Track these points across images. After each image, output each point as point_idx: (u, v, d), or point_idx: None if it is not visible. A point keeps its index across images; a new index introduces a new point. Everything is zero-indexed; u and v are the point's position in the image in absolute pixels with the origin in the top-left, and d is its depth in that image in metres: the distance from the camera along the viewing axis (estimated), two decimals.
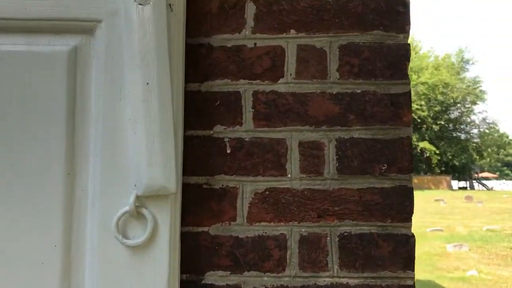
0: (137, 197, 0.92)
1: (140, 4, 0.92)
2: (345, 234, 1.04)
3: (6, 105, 0.95)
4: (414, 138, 49.04)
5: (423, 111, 51.03)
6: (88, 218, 0.95)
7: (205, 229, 1.04)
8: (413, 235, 1.04)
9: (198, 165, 1.06)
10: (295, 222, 1.04)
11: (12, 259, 0.93)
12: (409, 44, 1.07)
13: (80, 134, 0.97)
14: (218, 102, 1.07)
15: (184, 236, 1.04)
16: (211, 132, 1.06)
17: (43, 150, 0.95)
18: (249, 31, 1.08)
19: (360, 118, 1.06)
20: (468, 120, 57.65)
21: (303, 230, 1.04)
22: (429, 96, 52.33)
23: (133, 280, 0.93)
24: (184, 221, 1.04)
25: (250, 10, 1.08)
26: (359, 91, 1.06)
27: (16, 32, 0.98)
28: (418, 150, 50.68)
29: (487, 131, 61.59)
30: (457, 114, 56.20)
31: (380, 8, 1.07)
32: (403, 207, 1.04)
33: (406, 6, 1.07)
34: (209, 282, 1.04)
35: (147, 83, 0.92)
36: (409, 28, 1.07)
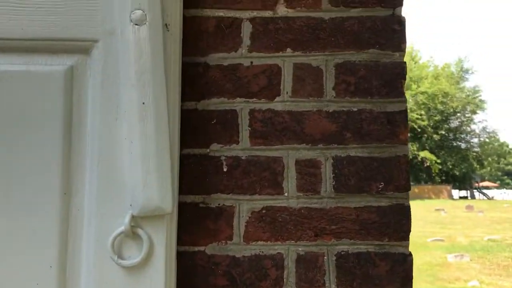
0: (133, 217, 0.92)
1: (136, 24, 0.93)
2: (342, 253, 1.03)
3: (3, 123, 0.95)
4: (414, 148, 49.11)
5: (423, 121, 51.06)
6: (84, 238, 0.95)
7: (202, 248, 1.04)
8: (410, 254, 1.03)
9: (195, 183, 1.06)
10: (292, 241, 1.04)
11: (7, 280, 0.93)
12: (405, 62, 1.08)
13: (76, 154, 0.97)
14: (214, 121, 1.07)
15: (180, 256, 1.03)
16: (208, 150, 1.06)
17: (40, 170, 0.95)
18: (245, 50, 1.08)
19: (357, 136, 1.06)
20: (468, 129, 57.67)
21: (300, 249, 1.04)
22: (429, 106, 52.39)
23: None
24: (180, 240, 1.03)
25: (247, 29, 1.08)
26: (355, 109, 1.06)
27: (13, 52, 0.98)
28: (419, 160, 50.66)
29: (487, 140, 61.58)
30: (457, 123, 56.23)
31: (376, 27, 1.08)
32: (400, 226, 1.03)
33: (401, 25, 1.08)
34: None
35: (143, 103, 0.92)
36: (405, 47, 1.08)
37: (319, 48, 1.08)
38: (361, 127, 1.06)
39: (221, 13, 1.09)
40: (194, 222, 1.05)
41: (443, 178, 56.55)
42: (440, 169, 53.37)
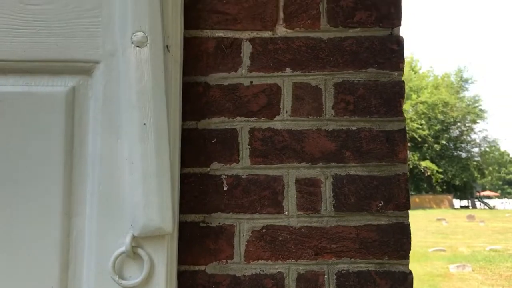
0: (134, 237, 0.93)
1: (137, 46, 0.94)
2: (342, 271, 1.03)
3: (5, 144, 0.96)
4: (415, 157, 49.04)
5: (423, 130, 51.09)
6: (85, 258, 0.95)
7: (202, 267, 1.04)
8: (410, 272, 1.03)
9: (195, 202, 1.06)
10: (293, 260, 1.04)
11: None
12: (403, 81, 1.09)
13: (77, 174, 0.97)
14: (214, 140, 1.08)
15: (181, 275, 1.03)
16: (208, 169, 1.07)
17: (41, 190, 0.95)
18: (245, 70, 1.09)
19: (356, 155, 1.06)
20: (469, 139, 57.66)
21: (300, 268, 1.04)
22: (429, 115, 52.45)
23: None
24: (181, 260, 1.03)
25: (246, 49, 1.09)
26: (354, 128, 1.07)
27: (15, 73, 0.99)
28: (420, 169, 50.60)
29: (488, 149, 61.51)
30: (458, 133, 56.25)
31: (374, 47, 1.09)
32: (400, 244, 1.04)
33: (399, 44, 1.09)
34: None
35: (144, 124, 0.93)
36: (403, 66, 1.09)
37: (318, 68, 1.09)
38: (360, 145, 1.06)
39: (221, 33, 1.10)
40: (194, 241, 1.05)
41: (444, 187, 56.44)
42: (441, 179, 53.27)
